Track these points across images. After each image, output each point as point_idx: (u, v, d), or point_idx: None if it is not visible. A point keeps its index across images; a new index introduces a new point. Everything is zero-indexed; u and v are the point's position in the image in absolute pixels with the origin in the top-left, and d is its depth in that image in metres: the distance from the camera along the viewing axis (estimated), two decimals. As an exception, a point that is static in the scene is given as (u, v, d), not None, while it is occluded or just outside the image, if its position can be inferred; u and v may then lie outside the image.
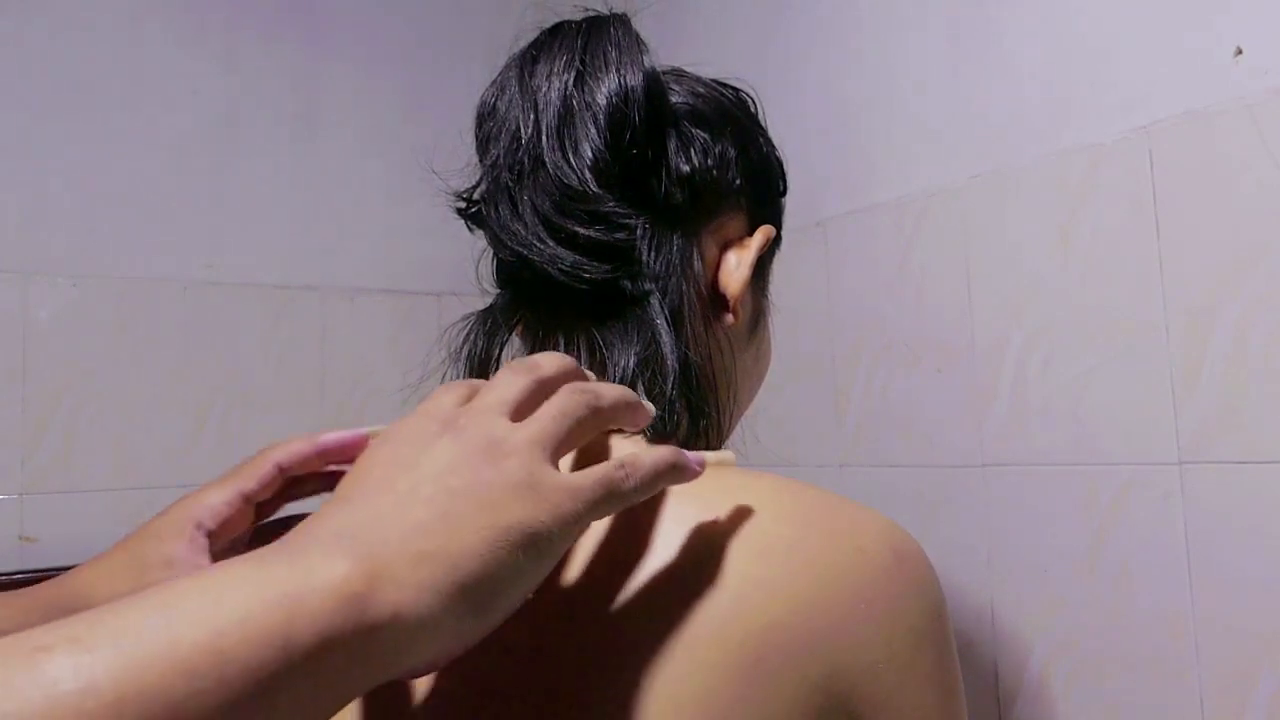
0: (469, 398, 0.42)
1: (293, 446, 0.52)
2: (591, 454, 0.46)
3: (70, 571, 0.51)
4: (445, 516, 0.35)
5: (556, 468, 0.38)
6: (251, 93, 1.41)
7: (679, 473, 0.42)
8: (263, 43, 1.42)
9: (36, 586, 0.50)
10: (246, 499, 0.51)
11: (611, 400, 0.42)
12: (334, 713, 0.31)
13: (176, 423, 1.32)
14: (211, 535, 0.50)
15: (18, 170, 1.25)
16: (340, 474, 0.51)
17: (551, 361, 0.43)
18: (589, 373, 0.46)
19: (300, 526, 0.36)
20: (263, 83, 1.42)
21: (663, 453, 0.41)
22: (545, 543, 0.36)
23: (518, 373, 0.42)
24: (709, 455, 0.44)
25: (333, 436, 0.52)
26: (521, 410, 0.40)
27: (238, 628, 0.29)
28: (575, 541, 0.38)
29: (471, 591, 0.34)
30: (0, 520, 1.20)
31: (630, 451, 0.41)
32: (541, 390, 0.41)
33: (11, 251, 1.24)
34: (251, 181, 1.40)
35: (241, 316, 1.37)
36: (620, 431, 0.46)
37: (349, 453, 0.52)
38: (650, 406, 0.45)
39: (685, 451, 0.42)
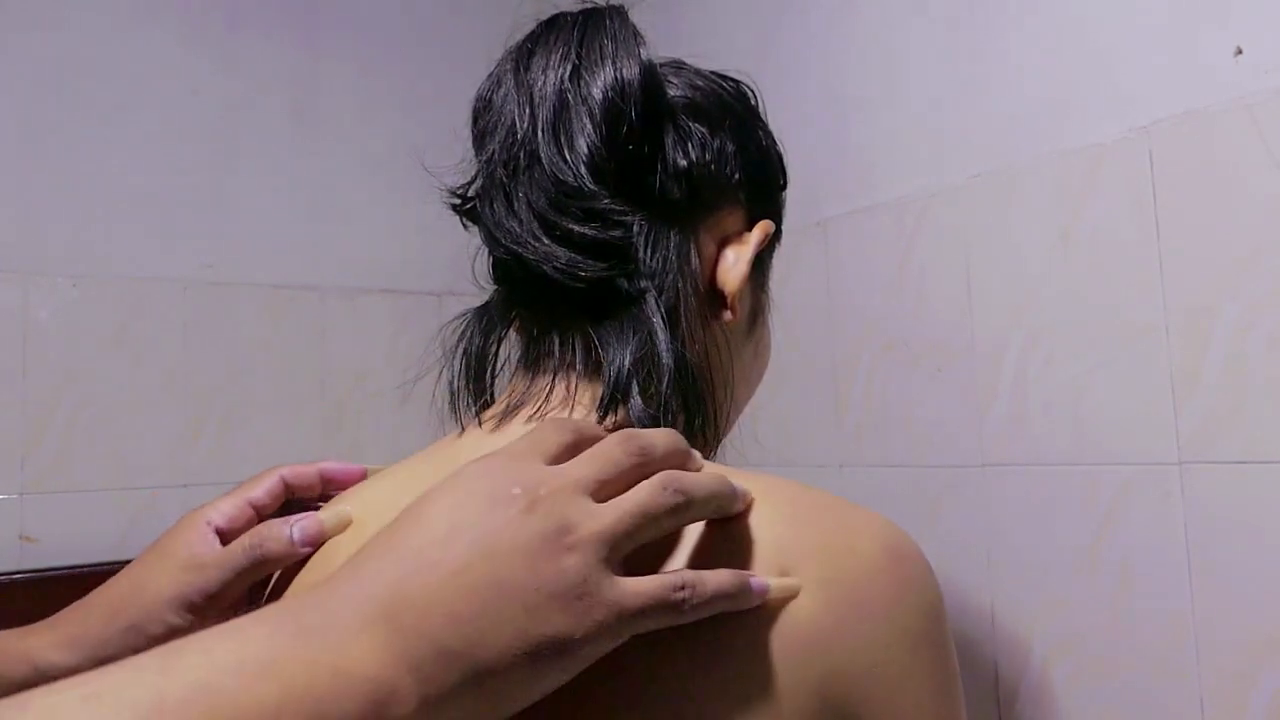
0: (572, 446, 0.42)
1: (298, 467, 0.60)
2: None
3: (114, 578, 0.57)
4: (483, 614, 0.35)
5: (618, 567, 0.38)
6: (251, 93, 1.41)
7: (740, 600, 0.40)
8: (263, 42, 1.42)
9: (88, 597, 0.56)
10: (252, 505, 0.58)
11: (703, 496, 0.41)
12: None
13: (176, 423, 1.31)
14: (221, 533, 0.56)
15: (18, 170, 1.25)
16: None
17: (663, 442, 0.43)
18: (695, 455, 0.44)
19: (338, 577, 0.37)
20: (263, 82, 1.42)
21: (726, 579, 0.40)
22: (576, 657, 0.36)
23: (626, 449, 0.41)
24: (774, 583, 0.41)
25: (335, 465, 0.61)
26: (609, 491, 0.40)
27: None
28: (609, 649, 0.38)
29: (489, 694, 0.35)
30: (0, 520, 1.20)
31: (689, 571, 0.40)
32: (639, 474, 0.41)
33: (11, 251, 1.24)
34: (251, 181, 1.40)
35: (241, 316, 1.37)
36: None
37: (346, 482, 0.60)
38: (748, 495, 0.44)
39: (751, 578, 0.40)
